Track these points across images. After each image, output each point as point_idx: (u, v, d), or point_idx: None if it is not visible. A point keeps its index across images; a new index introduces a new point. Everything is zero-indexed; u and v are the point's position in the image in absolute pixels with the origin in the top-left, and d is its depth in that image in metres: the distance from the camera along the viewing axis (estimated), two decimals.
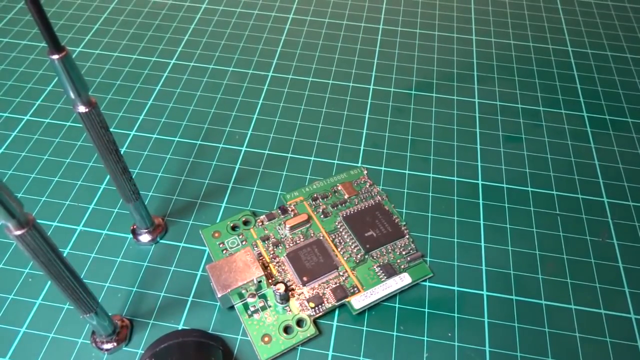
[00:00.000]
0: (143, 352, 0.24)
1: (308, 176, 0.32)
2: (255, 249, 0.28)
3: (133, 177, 0.32)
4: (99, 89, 0.37)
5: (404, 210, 0.31)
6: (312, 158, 0.33)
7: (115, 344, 0.24)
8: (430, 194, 0.32)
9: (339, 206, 0.30)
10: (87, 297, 0.21)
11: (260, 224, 0.29)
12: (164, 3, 0.45)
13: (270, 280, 0.27)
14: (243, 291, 0.26)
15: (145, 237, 0.28)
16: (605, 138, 0.35)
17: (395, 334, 0.26)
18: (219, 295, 0.25)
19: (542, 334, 0.26)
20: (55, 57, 0.19)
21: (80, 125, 0.35)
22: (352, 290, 0.26)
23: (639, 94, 0.38)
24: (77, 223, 0.30)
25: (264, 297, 0.26)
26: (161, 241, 0.29)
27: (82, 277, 0.27)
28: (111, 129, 0.34)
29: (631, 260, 0.29)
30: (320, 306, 0.26)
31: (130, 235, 0.29)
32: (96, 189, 0.31)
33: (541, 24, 0.44)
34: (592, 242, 0.30)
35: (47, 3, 0.44)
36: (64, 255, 0.28)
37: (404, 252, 0.28)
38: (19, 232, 0.17)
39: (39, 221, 0.29)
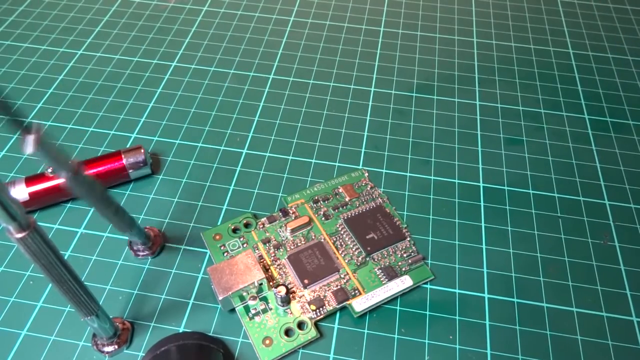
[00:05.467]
0: (144, 354, 0.24)
1: (309, 178, 0.32)
2: (256, 251, 0.28)
3: (134, 179, 0.32)
4: (100, 91, 0.37)
5: (405, 213, 0.31)
6: (313, 160, 0.33)
7: (116, 346, 0.24)
8: (432, 197, 0.31)
9: (340, 209, 0.30)
10: (88, 299, 0.21)
11: (261, 226, 0.29)
12: (165, 5, 0.45)
13: (271, 283, 0.27)
14: (244, 294, 0.26)
15: (144, 252, 0.28)
16: (607, 140, 0.35)
17: (396, 336, 0.26)
18: (220, 298, 0.25)
19: (544, 336, 0.26)
20: None
21: (81, 127, 0.35)
22: (353, 293, 0.26)
23: None
24: (78, 226, 0.30)
25: (265, 299, 0.26)
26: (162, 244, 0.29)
27: (83, 279, 0.27)
28: (112, 132, 0.35)
29: (633, 262, 0.29)
30: (321, 309, 0.26)
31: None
32: None
33: (542, 26, 0.44)
34: (594, 245, 0.29)
35: (48, 6, 0.44)
36: (65, 258, 0.28)
37: (405, 255, 0.28)
38: (20, 235, 0.17)
39: (40, 224, 0.29)
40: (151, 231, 0.29)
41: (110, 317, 0.24)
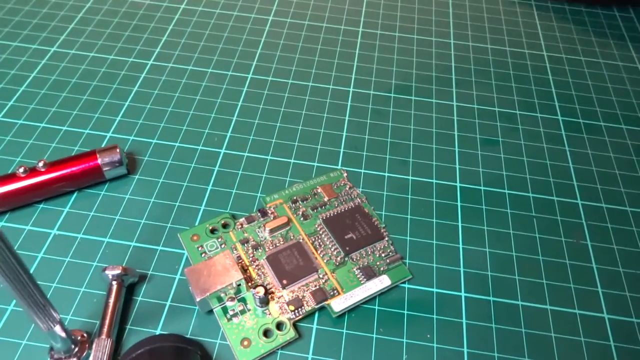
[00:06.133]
0: (120, 357, 0.24)
1: (288, 178, 0.32)
2: (235, 252, 0.28)
3: (109, 179, 0.31)
4: (74, 89, 0.36)
5: (383, 213, 0.31)
6: (292, 160, 0.33)
7: (75, 359, 0.24)
8: (409, 197, 0.32)
9: (319, 209, 0.30)
10: (51, 311, 0.21)
11: (239, 226, 0.29)
12: (142, 3, 0.44)
13: (249, 284, 0.26)
14: (222, 295, 0.25)
15: None
16: (579, 141, 0.36)
17: (374, 336, 0.26)
18: (198, 299, 0.25)
19: (519, 334, 0.26)
20: None
21: (54, 126, 0.34)
22: (331, 293, 0.26)
23: (612, 99, 0.39)
24: (51, 227, 0.29)
25: (243, 300, 0.26)
26: (138, 245, 0.29)
27: (56, 282, 0.27)
28: (87, 131, 0.34)
29: (604, 261, 0.29)
30: (300, 309, 0.26)
31: (107, 239, 0.29)
32: (71, 191, 0.31)
33: (517, 29, 0.45)
34: (567, 244, 0.30)
35: (20, 1, 0.43)
36: (38, 259, 0.27)
37: (383, 255, 0.28)
38: None
39: (11, 225, 0.29)
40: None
41: (83, 319, 0.24)
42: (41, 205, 0.30)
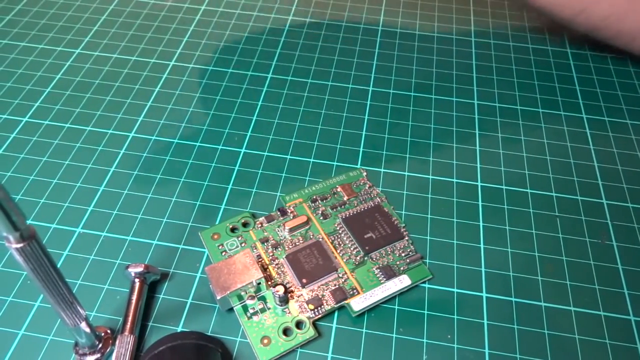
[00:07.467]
0: (142, 354, 0.24)
1: (307, 178, 0.32)
2: (255, 250, 0.28)
3: (132, 179, 0.32)
4: (98, 90, 0.37)
5: (403, 212, 0.31)
6: (312, 160, 0.33)
7: (98, 355, 0.24)
8: (430, 196, 0.32)
9: (338, 208, 0.30)
10: (78, 309, 0.21)
11: (259, 225, 0.29)
12: (163, 4, 0.45)
13: (269, 282, 0.27)
14: (242, 293, 0.26)
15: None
16: (604, 140, 0.35)
17: (394, 335, 0.26)
18: (218, 297, 0.25)
19: (542, 335, 0.26)
20: None
21: (79, 126, 0.35)
22: (351, 292, 0.26)
23: (638, 96, 0.38)
24: (76, 225, 0.30)
25: (263, 299, 0.26)
26: (160, 243, 0.29)
27: (81, 279, 0.27)
28: (110, 131, 0.34)
29: (630, 261, 0.29)
30: (319, 308, 0.26)
31: (129, 237, 0.29)
32: (95, 191, 0.31)
33: (540, 25, 0.44)
34: (592, 244, 0.30)
35: (46, 4, 0.44)
36: (64, 257, 0.28)
37: (403, 254, 0.28)
38: (19, 245, 0.17)
39: (38, 223, 0.29)
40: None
41: (106, 316, 0.24)
42: (66, 204, 0.30)
